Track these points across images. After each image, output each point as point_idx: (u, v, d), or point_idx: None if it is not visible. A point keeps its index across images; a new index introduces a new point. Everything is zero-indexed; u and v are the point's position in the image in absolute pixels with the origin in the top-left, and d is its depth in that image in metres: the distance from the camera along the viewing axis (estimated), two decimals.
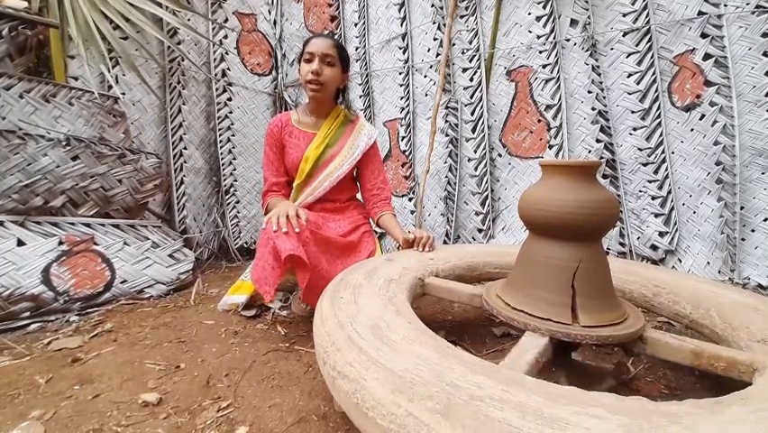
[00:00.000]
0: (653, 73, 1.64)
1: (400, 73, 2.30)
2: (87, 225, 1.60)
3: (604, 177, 1.78)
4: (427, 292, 1.10)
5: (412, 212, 2.31)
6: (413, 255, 1.25)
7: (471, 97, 2.09)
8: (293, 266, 1.23)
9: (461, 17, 2.08)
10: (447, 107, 2.12)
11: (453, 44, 2.12)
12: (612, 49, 1.73)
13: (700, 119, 1.58)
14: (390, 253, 1.30)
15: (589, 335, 0.75)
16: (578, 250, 0.82)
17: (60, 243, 1.49)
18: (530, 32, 1.90)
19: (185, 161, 2.19)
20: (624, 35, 1.69)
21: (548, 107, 1.89)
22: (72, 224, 1.56)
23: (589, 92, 1.79)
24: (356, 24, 2.44)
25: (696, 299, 0.98)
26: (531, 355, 0.71)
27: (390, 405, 0.53)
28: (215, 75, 2.32)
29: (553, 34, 1.84)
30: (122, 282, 1.58)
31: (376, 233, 1.69)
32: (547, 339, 0.76)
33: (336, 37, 2.50)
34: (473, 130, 2.10)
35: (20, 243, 1.42)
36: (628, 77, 1.70)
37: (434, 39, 2.17)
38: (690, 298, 0.99)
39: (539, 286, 0.83)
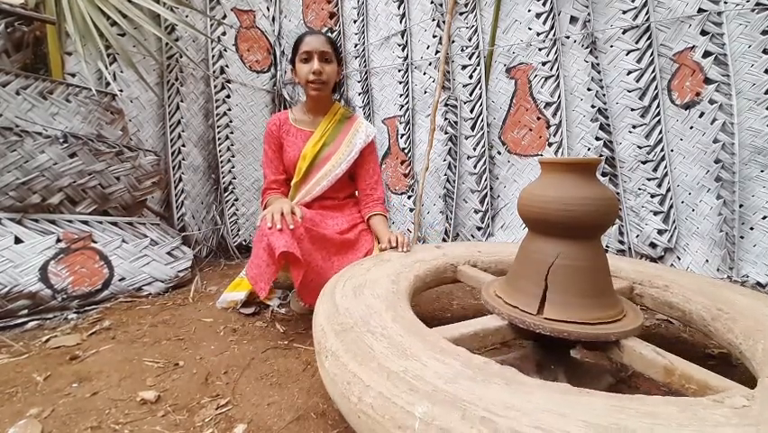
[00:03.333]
0: (653, 71, 1.64)
1: (399, 70, 2.29)
2: (85, 223, 1.59)
3: (603, 174, 1.77)
4: (458, 279, 1.24)
5: (411, 210, 2.31)
6: (462, 246, 1.39)
7: (471, 95, 2.08)
8: (287, 263, 1.23)
9: (461, 14, 2.08)
10: (446, 105, 2.12)
11: (453, 41, 2.11)
12: (612, 46, 1.73)
13: (700, 117, 1.58)
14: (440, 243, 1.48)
15: (544, 326, 0.77)
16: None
17: (58, 240, 1.49)
18: (530, 29, 1.90)
19: (183, 159, 2.18)
20: (624, 32, 1.69)
21: (548, 105, 1.88)
22: (70, 221, 1.56)
23: (589, 90, 1.78)
24: (355, 21, 2.43)
25: (750, 329, 0.83)
26: (473, 329, 0.80)
27: (318, 323, 0.81)
28: (214, 72, 2.31)
29: (553, 31, 1.84)
30: (120, 280, 1.57)
31: None
32: (506, 323, 0.83)
33: (335, 34, 2.49)
34: (473, 127, 2.09)
35: (17, 240, 1.42)
36: (628, 74, 1.70)
37: (434, 36, 2.16)
38: (745, 327, 0.85)
39: (524, 278, 0.87)
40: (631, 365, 0.75)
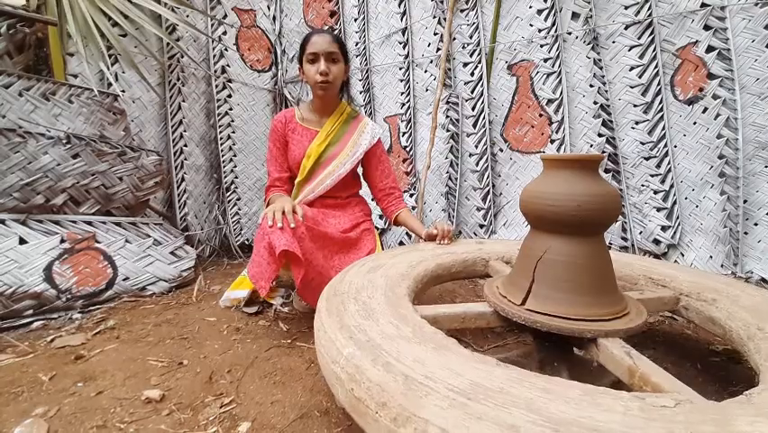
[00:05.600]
0: (656, 66, 1.63)
1: (400, 68, 2.28)
2: (89, 223, 1.60)
3: (606, 171, 1.77)
4: (489, 273, 1.25)
5: (413, 208, 2.31)
6: (501, 244, 1.38)
7: (472, 92, 2.08)
8: (288, 262, 1.23)
9: (462, 11, 2.07)
10: (448, 102, 2.11)
11: (454, 39, 2.10)
12: (614, 42, 1.72)
13: (703, 112, 1.57)
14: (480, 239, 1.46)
15: (521, 315, 0.81)
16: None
17: (62, 241, 1.49)
18: (531, 25, 1.89)
19: (185, 159, 2.19)
20: (626, 28, 1.68)
21: (550, 102, 1.87)
22: (74, 222, 1.57)
23: (591, 86, 1.77)
24: (356, 19, 2.43)
25: None
26: (453, 310, 0.88)
27: (324, 290, 0.93)
28: (215, 71, 2.31)
29: (555, 28, 1.83)
30: (124, 280, 1.58)
31: (377, 228, 1.69)
32: (491, 310, 0.88)
33: (336, 32, 2.49)
34: (474, 125, 2.09)
35: (22, 241, 1.43)
36: (630, 70, 1.69)
37: (435, 33, 2.16)
38: None
39: (519, 272, 0.89)
40: (605, 365, 0.75)
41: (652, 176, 1.68)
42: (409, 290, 0.97)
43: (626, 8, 1.67)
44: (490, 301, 0.89)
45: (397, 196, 1.58)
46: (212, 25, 2.30)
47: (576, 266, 0.81)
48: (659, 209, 1.68)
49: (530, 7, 1.88)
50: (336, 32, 2.49)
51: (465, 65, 2.09)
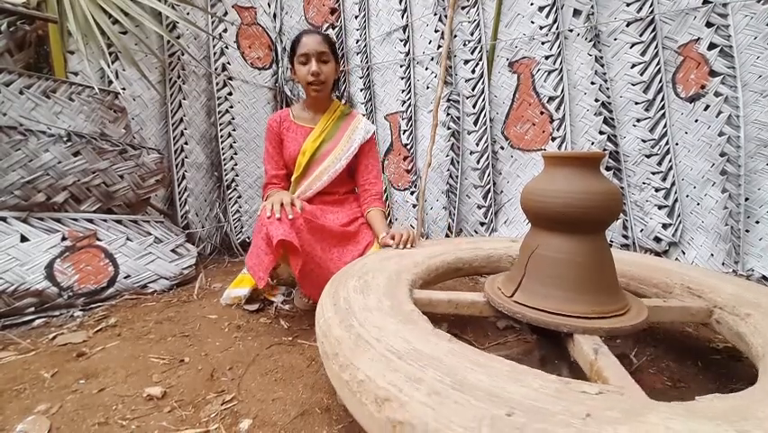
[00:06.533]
0: (658, 63, 1.62)
1: (401, 66, 2.28)
2: (90, 221, 1.60)
3: (607, 169, 1.76)
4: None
5: (414, 206, 2.31)
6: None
7: (473, 90, 2.07)
8: (285, 252, 1.23)
9: (463, 8, 2.06)
10: (449, 100, 2.11)
11: (455, 36, 2.10)
12: (616, 39, 1.71)
13: (705, 110, 1.56)
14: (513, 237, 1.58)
15: (504, 305, 0.86)
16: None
17: (63, 238, 1.50)
18: (532, 22, 1.88)
19: (186, 157, 2.19)
20: (627, 25, 1.67)
21: (551, 99, 1.87)
22: (75, 220, 1.57)
23: (593, 83, 1.77)
24: (356, 17, 2.42)
25: None
26: (447, 297, 0.96)
27: (337, 274, 1.04)
28: (216, 69, 2.30)
29: (556, 25, 1.82)
30: (125, 277, 1.59)
31: None
32: (484, 300, 0.93)
33: (336, 30, 2.48)
34: (475, 123, 2.08)
35: (23, 239, 1.43)
36: (632, 67, 1.68)
37: (436, 30, 2.15)
38: None
39: (517, 268, 0.91)
40: (577, 359, 0.76)
41: (653, 173, 1.68)
42: (416, 276, 1.05)
43: (628, 5, 1.66)
44: (486, 292, 0.94)
45: (372, 193, 1.56)
46: (212, 23, 2.30)
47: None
48: (660, 207, 1.67)
49: (531, 4, 1.87)
50: (337, 29, 2.48)
51: (466, 62, 2.08)
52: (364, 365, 0.59)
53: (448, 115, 2.12)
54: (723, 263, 1.54)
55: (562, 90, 1.83)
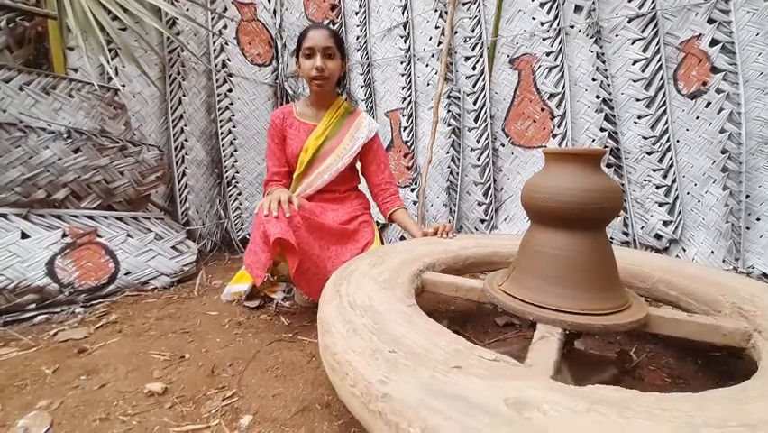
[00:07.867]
0: (659, 60, 1.62)
1: (402, 62, 2.27)
2: (91, 218, 1.60)
3: (608, 166, 1.76)
4: None
5: (414, 203, 2.31)
6: None
7: (474, 87, 2.06)
8: (282, 250, 1.23)
9: (464, 4, 2.05)
10: (449, 97, 2.10)
11: (455, 32, 2.09)
12: (617, 35, 1.70)
13: (706, 106, 1.56)
14: None
15: (490, 292, 0.89)
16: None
17: (64, 235, 1.50)
18: (533, 18, 1.87)
19: (186, 153, 2.18)
20: (629, 21, 1.66)
21: (552, 96, 1.86)
22: (75, 216, 1.57)
23: (594, 80, 1.76)
24: (357, 13, 2.41)
25: None
26: (448, 280, 1.02)
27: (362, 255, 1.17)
28: (215, 66, 2.30)
29: (557, 21, 1.81)
30: (126, 274, 1.59)
31: (378, 223, 1.68)
32: (480, 287, 0.97)
33: (337, 26, 2.47)
34: (476, 119, 2.08)
35: (24, 235, 1.43)
36: (633, 64, 1.67)
37: (436, 27, 2.14)
38: None
39: (514, 262, 0.94)
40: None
41: (654, 171, 1.68)
42: (438, 261, 1.13)
43: (630, 1, 1.65)
44: (485, 281, 0.98)
45: (392, 192, 1.57)
46: (212, 19, 2.29)
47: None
48: (661, 204, 1.67)
49: (532, 0, 1.86)
50: (337, 25, 2.47)
51: (467, 59, 2.07)
52: (337, 332, 0.70)
53: (449, 111, 2.11)
54: (723, 261, 1.54)
55: (563, 87, 1.82)
